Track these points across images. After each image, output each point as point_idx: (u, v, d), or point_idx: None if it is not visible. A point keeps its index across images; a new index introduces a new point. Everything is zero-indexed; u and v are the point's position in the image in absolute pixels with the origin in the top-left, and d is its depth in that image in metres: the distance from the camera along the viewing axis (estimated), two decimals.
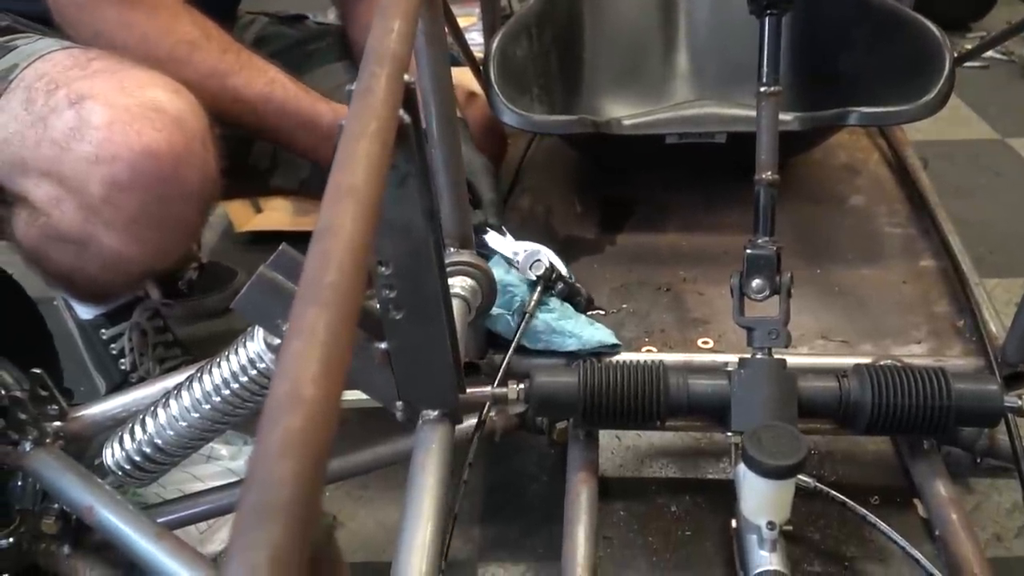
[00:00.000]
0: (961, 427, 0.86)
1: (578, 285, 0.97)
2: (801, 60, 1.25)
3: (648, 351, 0.93)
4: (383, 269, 0.60)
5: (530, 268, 0.93)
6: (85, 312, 1.12)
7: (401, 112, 0.51)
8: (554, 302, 0.93)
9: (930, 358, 0.90)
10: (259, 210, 1.61)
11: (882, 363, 0.83)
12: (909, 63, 1.05)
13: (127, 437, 0.75)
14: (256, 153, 1.18)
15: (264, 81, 0.96)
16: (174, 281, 1.39)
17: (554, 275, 0.93)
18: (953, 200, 1.19)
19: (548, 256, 0.94)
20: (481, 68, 1.08)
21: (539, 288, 0.91)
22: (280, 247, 0.63)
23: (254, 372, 0.69)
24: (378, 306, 0.62)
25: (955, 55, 1.02)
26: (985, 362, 0.89)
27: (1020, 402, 0.77)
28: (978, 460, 0.92)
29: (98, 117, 0.79)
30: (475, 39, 1.63)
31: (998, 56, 2.20)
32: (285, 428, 0.25)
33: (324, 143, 0.97)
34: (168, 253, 0.90)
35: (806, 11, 1.20)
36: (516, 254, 0.94)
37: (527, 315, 0.89)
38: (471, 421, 0.88)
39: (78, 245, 0.84)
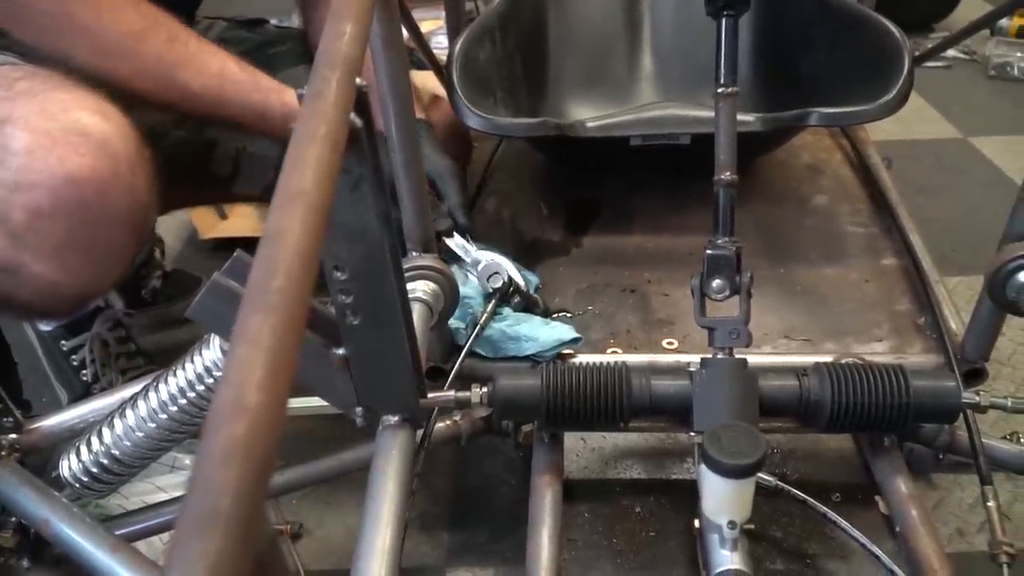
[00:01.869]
0: (921, 424, 0.87)
1: (536, 296, 0.97)
2: (762, 61, 1.26)
3: (613, 352, 0.93)
4: (338, 274, 0.59)
5: (488, 280, 0.93)
6: (45, 323, 1.11)
7: (352, 116, 0.51)
8: (507, 311, 0.93)
9: (892, 356, 0.91)
10: (224, 217, 1.59)
11: (842, 361, 0.84)
12: (869, 63, 1.06)
13: (84, 448, 0.74)
14: (217, 159, 1.17)
15: (213, 72, 0.93)
16: (138, 290, 1.37)
17: (511, 288, 0.93)
18: (917, 199, 1.21)
19: (507, 269, 0.94)
20: (444, 71, 1.07)
21: (493, 301, 0.91)
22: (235, 253, 0.62)
23: (210, 380, 0.68)
24: (334, 311, 0.62)
25: (915, 54, 1.03)
26: (945, 359, 0.90)
27: (978, 398, 0.78)
28: (940, 456, 0.93)
29: (17, 142, 0.76)
30: (442, 42, 1.63)
31: (961, 56, 2.23)
32: (228, 435, 0.25)
33: (277, 128, 0.97)
34: (101, 279, 0.87)
35: (766, 12, 1.21)
36: (476, 264, 0.94)
37: (478, 326, 0.89)
38: (437, 425, 0.88)
39: (7, 272, 0.81)
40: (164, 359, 1.20)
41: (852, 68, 1.10)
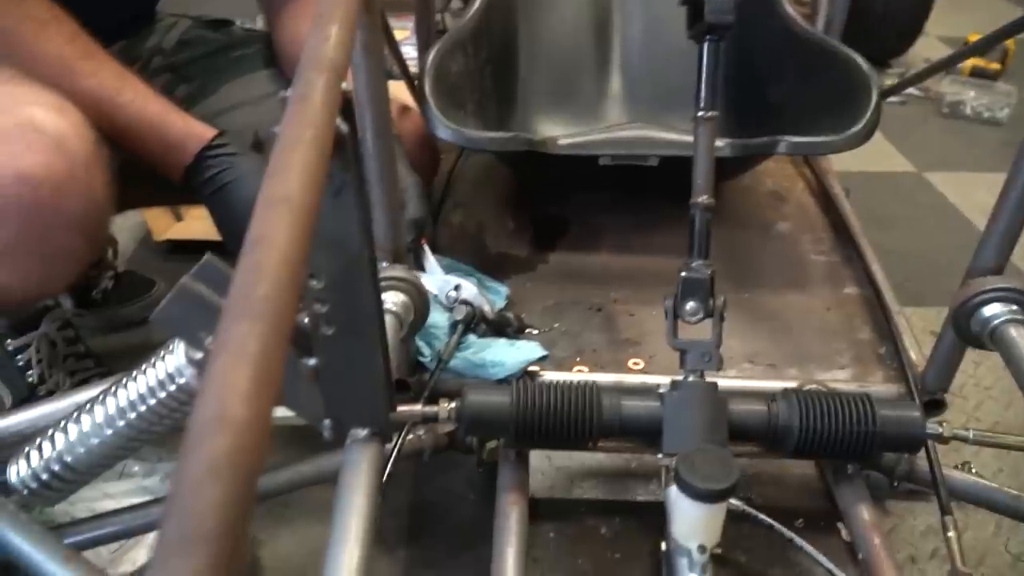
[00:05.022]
0: (883, 452, 0.88)
1: (508, 314, 0.96)
2: (733, 88, 1.27)
3: (580, 371, 0.93)
4: (315, 283, 0.58)
5: (451, 311, 0.91)
6: None
7: (338, 121, 0.50)
8: (471, 338, 0.92)
9: (853, 384, 0.92)
10: (180, 218, 1.56)
11: (808, 388, 0.85)
12: (837, 95, 1.08)
13: (35, 454, 0.71)
14: None
15: (114, 74, 0.89)
16: (88, 290, 1.33)
17: (475, 319, 0.92)
18: (873, 229, 1.23)
19: (469, 293, 0.93)
20: (416, 82, 1.06)
21: (457, 332, 0.90)
22: (205, 256, 0.60)
23: (173, 387, 0.66)
24: (307, 321, 0.60)
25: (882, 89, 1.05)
26: (905, 389, 0.91)
27: (941, 429, 0.79)
28: (895, 484, 0.94)
29: None
30: (408, 53, 1.62)
31: (916, 92, 2.29)
32: (212, 450, 0.24)
33: (173, 152, 0.91)
34: (51, 281, 0.84)
35: (738, 40, 1.22)
36: (441, 292, 0.92)
37: (441, 361, 0.88)
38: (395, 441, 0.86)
39: None
40: (114, 362, 1.17)
41: (821, 99, 1.12)
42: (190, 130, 0.92)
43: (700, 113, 0.83)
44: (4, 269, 0.77)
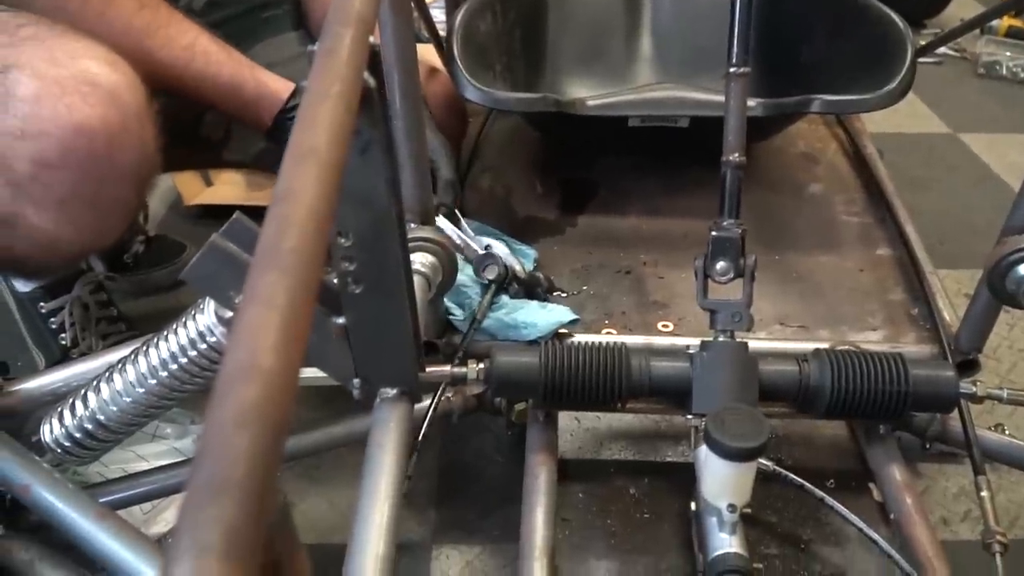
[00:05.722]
0: (914, 412, 0.87)
1: (538, 274, 0.96)
2: (765, 47, 1.25)
3: (608, 333, 0.92)
4: (342, 240, 0.58)
5: (483, 271, 0.91)
6: (22, 284, 1.07)
7: (366, 75, 0.49)
8: (504, 298, 0.92)
9: (886, 345, 0.91)
10: (209, 183, 1.57)
11: (840, 348, 0.84)
12: (871, 53, 1.06)
13: (67, 413, 0.72)
14: (208, 125, 1.14)
15: (183, 44, 0.90)
16: (119, 254, 1.34)
17: (507, 279, 0.92)
18: (906, 191, 1.21)
19: (501, 254, 0.92)
20: (444, 43, 1.05)
21: (490, 292, 0.90)
22: (234, 215, 0.61)
23: (204, 346, 0.66)
24: (335, 279, 0.60)
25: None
26: (939, 349, 0.90)
27: (975, 389, 0.78)
28: (927, 445, 0.93)
29: (24, 89, 0.73)
30: (436, 16, 1.61)
31: (952, 53, 2.24)
32: (241, 399, 0.24)
33: (248, 109, 0.94)
34: (104, 234, 0.85)
35: None
36: (471, 253, 0.92)
37: (476, 320, 0.87)
38: (429, 401, 0.87)
39: (5, 224, 0.78)
40: (145, 325, 1.18)
41: (854, 57, 1.09)
42: (263, 90, 0.94)
43: (732, 69, 0.82)
44: (57, 221, 0.78)
